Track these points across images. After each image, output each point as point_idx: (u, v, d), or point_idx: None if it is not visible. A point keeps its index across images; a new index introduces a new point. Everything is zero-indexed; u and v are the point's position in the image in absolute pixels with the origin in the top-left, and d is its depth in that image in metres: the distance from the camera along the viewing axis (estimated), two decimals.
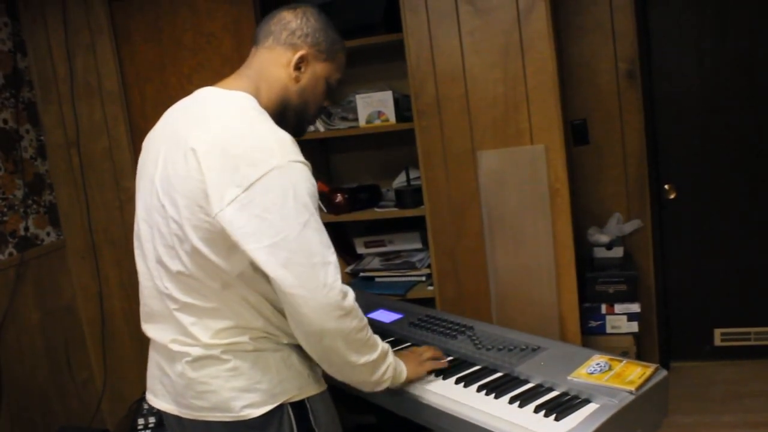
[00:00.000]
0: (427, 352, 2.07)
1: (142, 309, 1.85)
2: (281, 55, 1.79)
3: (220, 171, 1.56)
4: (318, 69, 1.83)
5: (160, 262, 1.72)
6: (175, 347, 1.72)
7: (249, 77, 1.79)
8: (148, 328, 1.83)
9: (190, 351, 1.69)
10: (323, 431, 1.78)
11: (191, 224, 1.61)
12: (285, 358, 1.73)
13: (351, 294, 1.62)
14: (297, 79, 1.80)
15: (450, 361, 2.11)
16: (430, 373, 2.03)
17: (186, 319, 1.69)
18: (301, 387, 1.74)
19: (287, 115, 1.82)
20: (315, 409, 1.76)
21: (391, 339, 2.35)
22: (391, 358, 1.80)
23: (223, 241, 1.58)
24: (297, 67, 1.79)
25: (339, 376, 1.73)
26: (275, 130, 1.64)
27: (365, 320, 1.67)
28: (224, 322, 1.67)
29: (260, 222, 1.53)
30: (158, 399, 1.82)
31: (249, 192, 1.54)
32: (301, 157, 1.62)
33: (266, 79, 1.78)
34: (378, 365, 1.75)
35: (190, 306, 1.68)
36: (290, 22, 1.79)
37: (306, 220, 1.56)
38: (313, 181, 1.63)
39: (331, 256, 1.59)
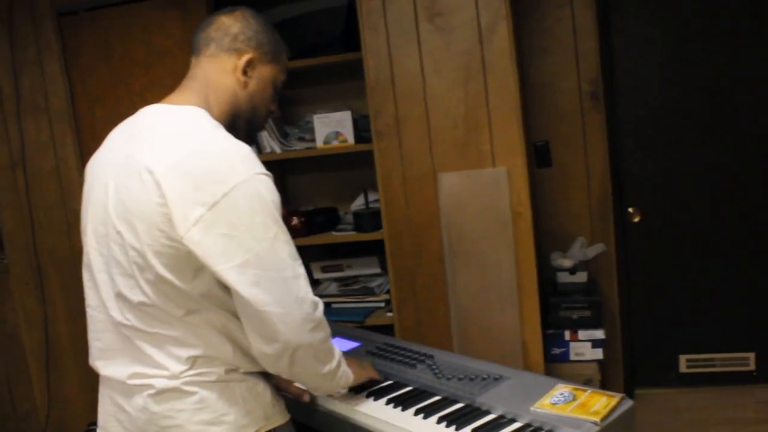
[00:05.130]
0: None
1: (94, 344, 1.74)
2: (226, 61, 1.72)
3: (182, 191, 1.50)
4: (264, 72, 1.78)
5: (119, 295, 1.62)
6: (135, 381, 1.62)
7: (196, 89, 1.72)
8: (102, 365, 1.71)
9: (154, 383, 1.60)
10: None
11: (153, 250, 1.53)
12: (251, 388, 1.68)
13: (321, 305, 1.62)
14: (245, 85, 1.74)
15: (409, 392, 2.03)
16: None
17: (150, 349, 1.61)
18: (267, 417, 1.70)
19: (238, 123, 1.76)
20: None
21: None
22: (344, 364, 1.78)
23: (187, 264, 1.52)
24: (244, 72, 1.73)
25: (300, 382, 1.76)
26: (235, 143, 1.59)
27: (329, 329, 1.66)
28: (191, 350, 1.60)
29: (228, 240, 1.49)
30: None
31: (214, 210, 1.49)
32: (263, 169, 1.58)
33: (214, 89, 1.72)
34: (336, 372, 1.73)
35: (154, 335, 1.60)
36: (231, 26, 1.73)
37: (275, 234, 1.55)
38: (276, 192, 1.61)
39: (300, 268, 1.59)
